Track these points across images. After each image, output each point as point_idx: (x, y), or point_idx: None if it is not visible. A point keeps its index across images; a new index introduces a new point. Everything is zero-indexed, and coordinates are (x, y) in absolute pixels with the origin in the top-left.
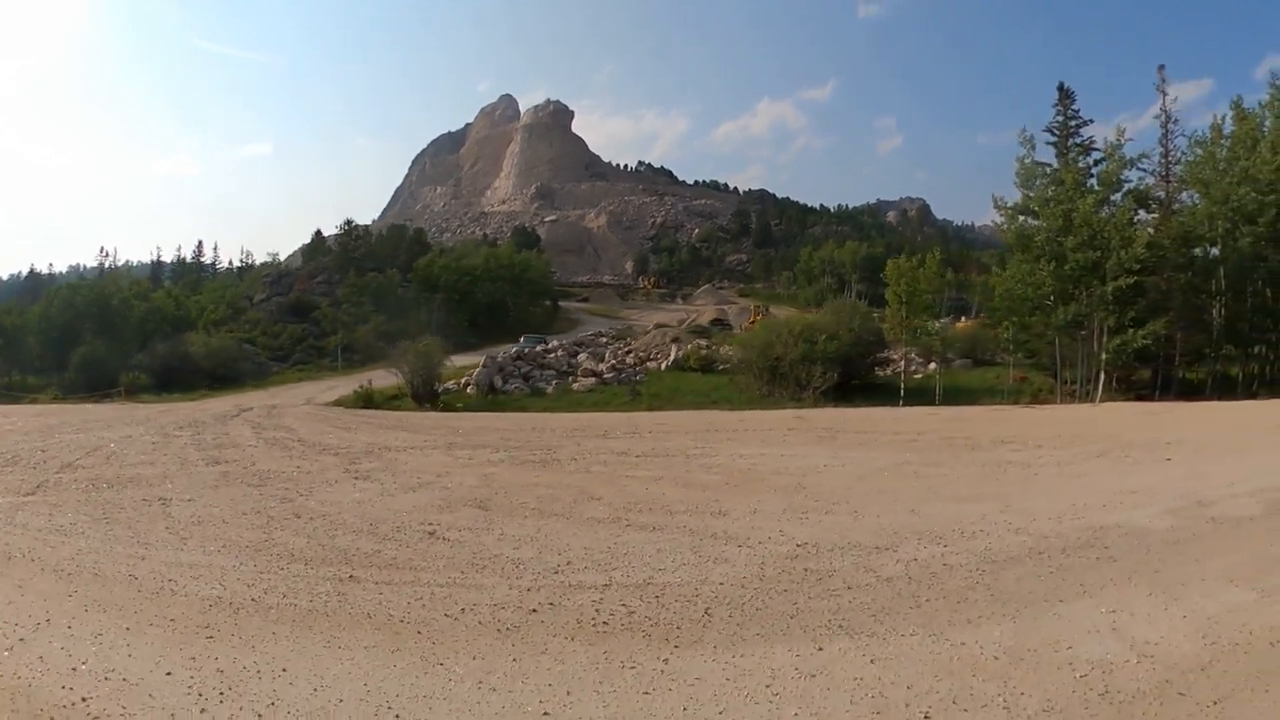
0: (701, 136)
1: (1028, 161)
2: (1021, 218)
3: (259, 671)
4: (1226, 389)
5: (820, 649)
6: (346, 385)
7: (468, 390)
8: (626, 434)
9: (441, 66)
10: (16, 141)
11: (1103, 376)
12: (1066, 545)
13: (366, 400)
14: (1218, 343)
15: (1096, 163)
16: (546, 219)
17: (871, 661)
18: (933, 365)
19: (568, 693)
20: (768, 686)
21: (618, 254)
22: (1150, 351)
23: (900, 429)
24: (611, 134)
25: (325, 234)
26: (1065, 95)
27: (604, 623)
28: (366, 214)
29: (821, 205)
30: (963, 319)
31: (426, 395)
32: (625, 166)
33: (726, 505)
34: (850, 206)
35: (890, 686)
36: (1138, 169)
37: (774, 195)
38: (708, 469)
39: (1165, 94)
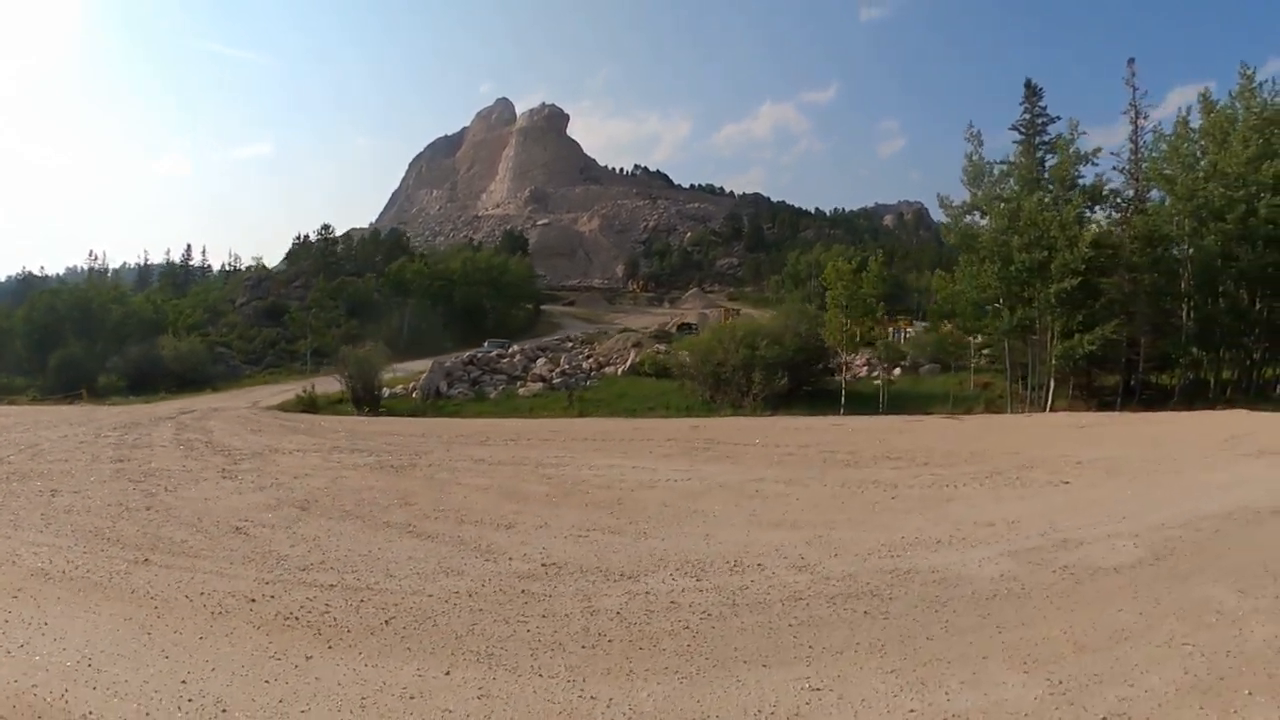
0: (703, 139)
1: (975, 158)
2: (969, 217)
3: (29, 624)
4: (1197, 396)
5: (447, 673)
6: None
7: (413, 395)
8: (506, 441)
9: (443, 68)
10: (16, 141)
11: (1052, 383)
12: (845, 592)
13: (309, 405)
14: (1184, 347)
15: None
16: (539, 222)
17: (479, 697)
18: (897, 371)
19: (213, 670)
20: (363, 699)
21: (609, 258)
22: (1097, 355)
23: (789, 441)
24: (612, 136)
25: (313, 239)
26: (1032, 92)
27: (296, 618)
28: (365, 216)
29: (817, 209)
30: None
31: (367, 400)
32: (621, 170)
33: (522, 518)
34: (847, 210)
35: None
36: (1098, 166)
37: (768, 199)
38: (545, 479)
39: (1135, 88)
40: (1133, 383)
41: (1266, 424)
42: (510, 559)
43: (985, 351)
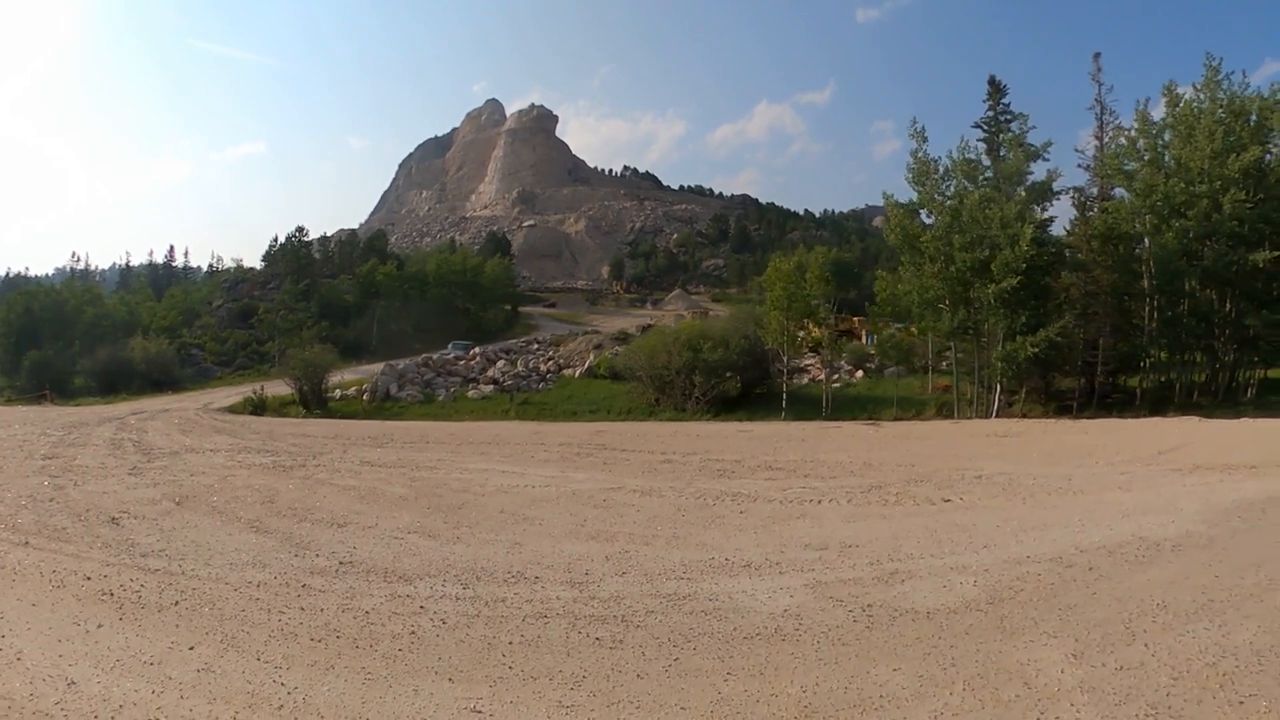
0: (698, 140)
1: (920, 155)
2: (914, 217)
3: None
4: (1164, 400)
5: (191, 649)
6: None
7: (364, 397)
8: (404, 444)
9: (440, 69)
10: (16, 142)
11: (999, 387)
12: (598, 614)
13: (257, 406)
14: (1145, 348)
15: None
16: (525, 224)
17: (198, 670)
18: (859, 374)
19: (28, 629)
20: (118, 661)
21: (595, 259)
22: (1042, 358)
23: (683, 447)
24: (608, 137)
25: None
26: (996, 88)
27: (111, 594)
28: (359, 217)
29: (806, 211)
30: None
31: (316, 401)
32: (609, 171)
33: (360, 518)
34: (838, 211)
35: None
36: (1049, 162)
37: (756, 200)
38: (410, 482)
39: (1101, 84)
40: (1096, 386)
41: (1213, 433)
42: (317, 555)
43: (947, 353)
